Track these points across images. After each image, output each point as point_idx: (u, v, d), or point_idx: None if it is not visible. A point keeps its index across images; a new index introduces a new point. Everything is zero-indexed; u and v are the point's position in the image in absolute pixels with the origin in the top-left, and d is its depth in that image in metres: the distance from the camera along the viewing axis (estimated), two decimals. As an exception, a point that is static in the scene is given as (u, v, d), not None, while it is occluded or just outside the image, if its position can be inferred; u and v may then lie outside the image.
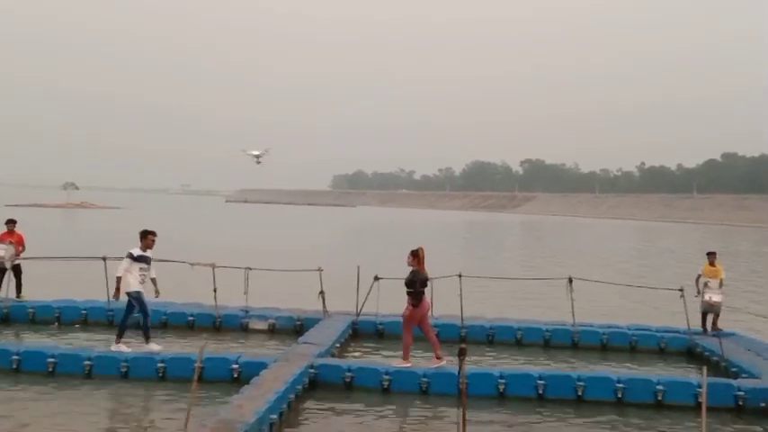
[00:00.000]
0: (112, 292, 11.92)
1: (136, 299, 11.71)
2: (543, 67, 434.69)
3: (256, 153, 52.39)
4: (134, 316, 12.00)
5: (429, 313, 12.21)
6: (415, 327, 11.68)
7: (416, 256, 11.64)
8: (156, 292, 12.26)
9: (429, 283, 11.82)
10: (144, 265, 11.82)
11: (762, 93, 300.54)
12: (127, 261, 11.67)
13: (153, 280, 12.12)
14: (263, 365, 10.61)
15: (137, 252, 11.76)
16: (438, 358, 11.47)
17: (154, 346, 11.67)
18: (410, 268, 11.65)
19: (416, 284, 11.48)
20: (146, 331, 11.85)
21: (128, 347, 11.62)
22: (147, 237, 11.91)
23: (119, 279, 11.62)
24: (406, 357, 11.49)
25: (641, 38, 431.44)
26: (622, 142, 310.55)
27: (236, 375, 10.75)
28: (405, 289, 11.66)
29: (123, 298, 11.95)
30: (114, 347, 11.62)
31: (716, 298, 14.52)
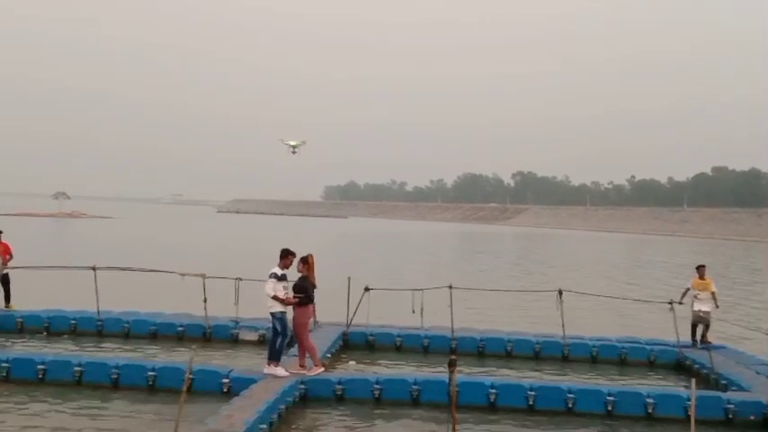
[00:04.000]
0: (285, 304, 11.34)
1: (279, 320, 11.29)
2: (543, 72, 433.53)
3: (293, 143, 50.26)
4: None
5: (313, 319, 12.21)
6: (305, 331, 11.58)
7: (306, 262, 11.68)
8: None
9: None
10: (286, 284, 11.38)
11: (752, 104, 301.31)
12: (273, 281, 11.20)
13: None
14: (252, 381, 10.56)
15: (280, 272, 11.31)
16: (317, 366, 11.43)
17: (280, 371, 11.02)
18: (299, 274, 11.63)
19: (308, 290, 11.51)
20: (278, 352, 11.25)
21: (285, 371, 11.08)
22: (287, 256, 11.50)
23: (278, 299, 11.17)
24: (317, 363, 11.46)
25: (633, 43, 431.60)
26: (617, 150, 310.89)
27: (225, 390, 10.66)
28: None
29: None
30: (267, 370, 11.08)
31: (705, 308, 14.57)
